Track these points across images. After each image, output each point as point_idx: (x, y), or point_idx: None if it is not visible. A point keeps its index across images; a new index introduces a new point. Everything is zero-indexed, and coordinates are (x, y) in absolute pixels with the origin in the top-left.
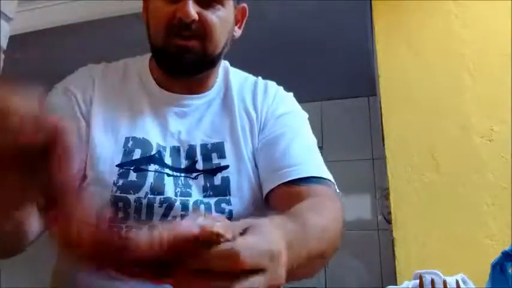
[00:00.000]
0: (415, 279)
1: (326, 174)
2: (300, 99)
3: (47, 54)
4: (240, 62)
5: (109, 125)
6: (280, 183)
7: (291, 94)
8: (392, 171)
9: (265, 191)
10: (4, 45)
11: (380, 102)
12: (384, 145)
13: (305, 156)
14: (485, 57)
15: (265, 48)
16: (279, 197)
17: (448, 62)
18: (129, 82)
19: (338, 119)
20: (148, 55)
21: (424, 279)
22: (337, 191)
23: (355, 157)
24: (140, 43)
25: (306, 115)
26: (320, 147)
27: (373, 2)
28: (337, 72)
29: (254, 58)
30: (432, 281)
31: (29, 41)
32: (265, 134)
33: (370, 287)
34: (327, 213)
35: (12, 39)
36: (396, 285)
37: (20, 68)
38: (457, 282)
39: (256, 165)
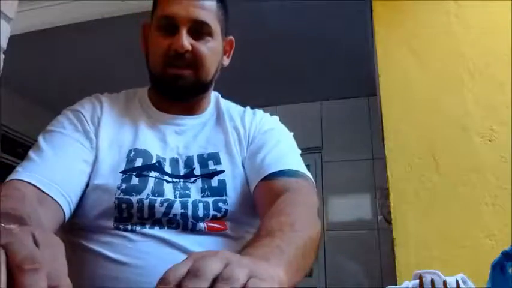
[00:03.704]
0: (415, 279)
1: (303, 169)
2: (300, 99)
3: (46, 54)
4: (241, 63)
5: (114, 141)
6: (259, 179)
7: (276, 117)
8: (392, 171)
9: (252, 191)
10: (4, 45)
11: (380, 102)
12: (383, 145)
13: (283, 155)
14: (485, 57)
15: (266, 49)
16: (261, 193)
17: (448, 62)
18: (131, 107)
19: (338, 119)
20: (146, 87)
21: (424, 279)
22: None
23: (355, 157)
24: (139, 44)
25: (290, 134)
26: (320, 147)
27: (373, 2)
28: (337, 72)
29: (254, 59)
30: (432, 281)
31: (29, 41)
32: (252, 146)
33: (370, 287)
34: (300, 209)
35: (12, 39)
36: (396, 285)
37: (20, 67)
38: (457, 282)
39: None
